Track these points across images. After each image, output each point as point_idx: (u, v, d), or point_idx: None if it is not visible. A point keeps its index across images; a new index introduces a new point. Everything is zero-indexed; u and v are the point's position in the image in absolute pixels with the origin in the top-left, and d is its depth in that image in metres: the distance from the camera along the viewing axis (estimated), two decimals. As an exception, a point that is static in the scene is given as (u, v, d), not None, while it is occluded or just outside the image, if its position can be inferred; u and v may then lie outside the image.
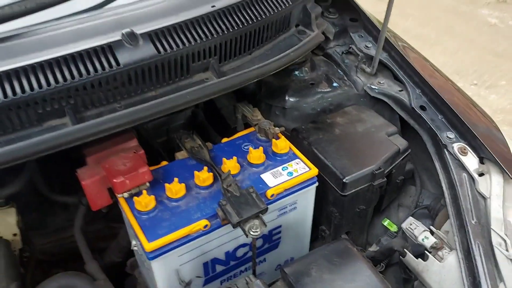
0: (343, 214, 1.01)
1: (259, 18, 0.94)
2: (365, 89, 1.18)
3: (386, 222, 1.12)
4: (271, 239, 0.97)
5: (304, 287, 0.77)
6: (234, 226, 0.80)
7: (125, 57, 0.80)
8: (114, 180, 0.80)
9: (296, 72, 1.20)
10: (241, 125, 1.10)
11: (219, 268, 0.92)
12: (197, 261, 0.87)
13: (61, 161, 0.96)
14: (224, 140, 1.00)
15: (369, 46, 1.22)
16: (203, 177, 0.86)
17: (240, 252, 0.93)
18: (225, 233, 0.87)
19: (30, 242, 1.04)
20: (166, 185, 0.84)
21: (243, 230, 0.80)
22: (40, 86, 0.75)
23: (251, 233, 0.80)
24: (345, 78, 1.22)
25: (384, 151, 1.00)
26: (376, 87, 1.16)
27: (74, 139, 0.78)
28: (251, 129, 1.01)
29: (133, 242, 0.93)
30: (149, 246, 0.78)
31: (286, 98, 1.15)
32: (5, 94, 0.73)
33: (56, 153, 0.77)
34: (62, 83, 0.76)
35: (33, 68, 0.75)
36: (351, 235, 1.07)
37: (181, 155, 0.95)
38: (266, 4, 0.97)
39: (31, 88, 0.74)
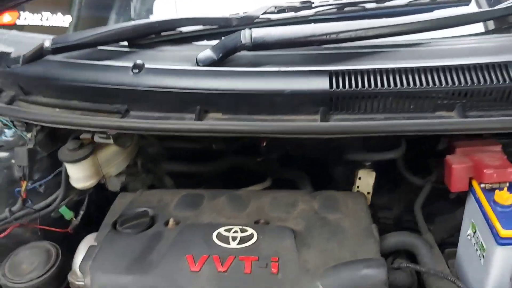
0: None
1: None
2: None
3: None
4: None
5: None
6: None
7: None
8: (485, 171, 0.95)
9: None
10: None
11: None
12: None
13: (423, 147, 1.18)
14: None
15: None
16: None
17: None
18: None
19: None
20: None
21: None
22: (440, 83, 0.96)
23: None
24: None
25: None
26: None
27: (456, 129, 0.97)
28: None
29: (468, 232, 1.06)
30: (504, 233, 0.90)
31: None
32: (420, 84, 0.97)
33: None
34: (456, 84, 0.95)
35: (441, 69, 0.97)
36: None
37: None
38: None
39: (434, 83, 0.96)
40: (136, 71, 1.06)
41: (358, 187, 1.24)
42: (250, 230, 0.99)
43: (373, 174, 1.22)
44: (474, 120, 0.96)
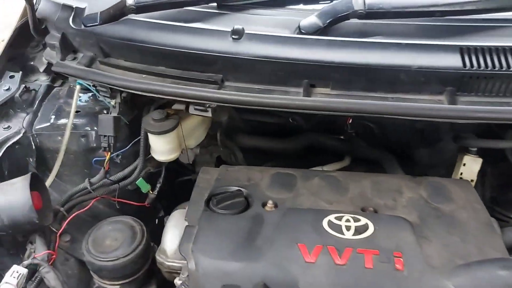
0: None
1: None
2: None
3: None
4: None
5: None
6: None
7: None
8: None
9: None
10: None
11: None
12: None
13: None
14: None
15: None
16: None
17: None
18: None
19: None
20: None
21: None
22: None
23: None
24: None
25: None
26: None
27: None
28: None
29: None
30: None
31: None
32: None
33: None
34: None
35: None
36: None
37: None
38: None
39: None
40: (236, 37, 0.95)
41: (461, 173, 1.14)
42: (364, 220, 0.91)
43: (480, 160, 1.13)
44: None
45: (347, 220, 0.91)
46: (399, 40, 0.91)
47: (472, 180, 1.14)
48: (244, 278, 0.83)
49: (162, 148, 1.10)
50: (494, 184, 1.33)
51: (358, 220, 0.91)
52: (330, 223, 0.90)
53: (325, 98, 0.92)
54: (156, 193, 1.21)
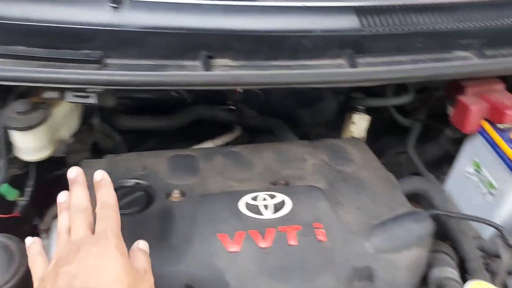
0: None
1: None
2: None
3: None
4: None
5: None
6: None
7: None
8: (507, 112, 0.95)
9: None
10: None
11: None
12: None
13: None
14: None
15: None
16: None
17: None
18: None
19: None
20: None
21: None
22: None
23: None
24: None
25: None
26: None
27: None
28: None
29: (469, 170, 1.09)
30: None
31: None
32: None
33: None
34: None
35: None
36: None
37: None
38: None
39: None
40: (115, 5, 0.80)
41: (351, 132, 1.18)
42: (279, 196, 0.87)
43: (367, 118, 1.17)
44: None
45: (264, 199, 0.86)
46: (300, 3, 0.86)
47: (362, 137, 1.19)
48: (167, 286, 0.73)
49: (30, 145, 0.90)
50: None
51: (274, 196, 0.87)
52: (247, 205, 0.84)
53: (227, 72, 0.83)
54: (27, 198, 1.01)
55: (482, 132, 1.02)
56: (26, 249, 0.69)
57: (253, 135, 1.33)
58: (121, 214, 0.79)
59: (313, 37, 0.85)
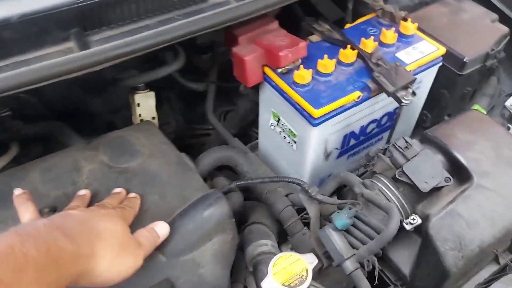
0: (453, 96, 1.10)
1: None
2: None
3: (475, 107, 1.22)
4: (392, 118, 1.06)
5: (455, 147, 0.86)
6: (389, 95, 0.88)
7: None
8: (280, 54, 0.86)
9: None
10: (349, 16, 1.15)
11: (352, 142, 1.01)
12: (340, 133, 0.96)
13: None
14: (347, 25, 1.05)
15: None
16: (348, 54, 0.93)
17: (370, 128, 1.02)
18: (365, 107, 0.95)
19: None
20: (319, 61, 0.91)
21: (397, 98, 0.88)
22: None
23: (404, 101, 0.88)
24: None
25: (493, 35, 1.08)
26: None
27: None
28: (372, 15, 1.07)
29: (271, 122, 1.01)
30: (317, 112, 0.86)
31: None
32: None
33: None
34: None
35: None
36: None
37: (314, 38, 1.01)
38: None
39: None
40: None
41: (140, 115, 1.02)
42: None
43: (152, 94, 1.01)
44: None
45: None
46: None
47: (153, 118, 1.03)
48: None
49: None
50: (181, 106, 1.28)
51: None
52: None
53: None
54: None
55: (269, 80, 0.93)
56: (14, 198, 0.69)
57: (38, 146, 1.10)
58: None
59: (14, 24, 0.65)
